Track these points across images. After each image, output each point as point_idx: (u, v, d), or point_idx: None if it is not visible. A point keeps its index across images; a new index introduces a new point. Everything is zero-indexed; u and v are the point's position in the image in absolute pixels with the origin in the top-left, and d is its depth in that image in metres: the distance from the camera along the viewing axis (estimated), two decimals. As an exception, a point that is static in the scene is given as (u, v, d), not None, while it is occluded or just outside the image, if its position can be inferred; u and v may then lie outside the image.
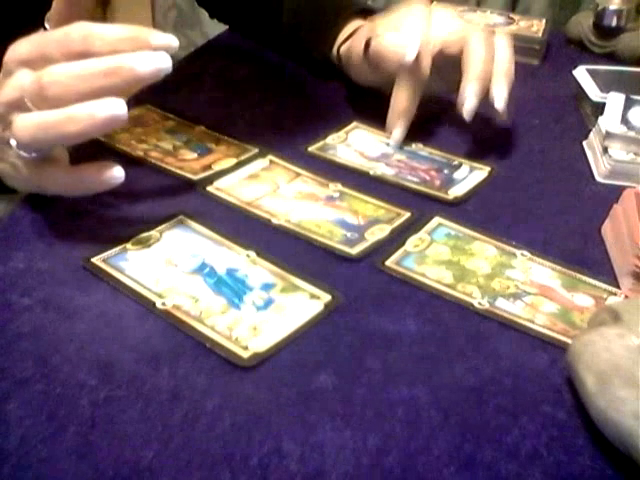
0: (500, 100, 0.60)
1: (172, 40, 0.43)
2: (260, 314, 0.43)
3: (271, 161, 0.60)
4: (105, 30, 0.42)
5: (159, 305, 0.44)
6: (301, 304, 0.44)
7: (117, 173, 0.45)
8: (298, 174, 0.58)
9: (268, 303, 0.44)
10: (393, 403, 0.38)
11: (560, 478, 0.35)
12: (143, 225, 0.50)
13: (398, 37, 0.60)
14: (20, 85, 0.43)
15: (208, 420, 0.37)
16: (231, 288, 0.45)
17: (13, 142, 0.45)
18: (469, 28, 0.63)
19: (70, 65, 0.42)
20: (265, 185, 0.57)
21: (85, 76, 0.41)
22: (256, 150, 0.61)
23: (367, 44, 0.63)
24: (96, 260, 0.47)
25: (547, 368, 0.42)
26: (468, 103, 0.60)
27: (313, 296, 0.45)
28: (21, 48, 0.45)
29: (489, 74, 0.61)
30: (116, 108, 0.41)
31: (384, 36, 0.62)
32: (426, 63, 0.60)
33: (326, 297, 0.45)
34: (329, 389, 0.39)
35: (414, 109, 0.61)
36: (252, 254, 0.48)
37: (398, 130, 0.63)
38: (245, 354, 0.40)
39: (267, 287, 0.46)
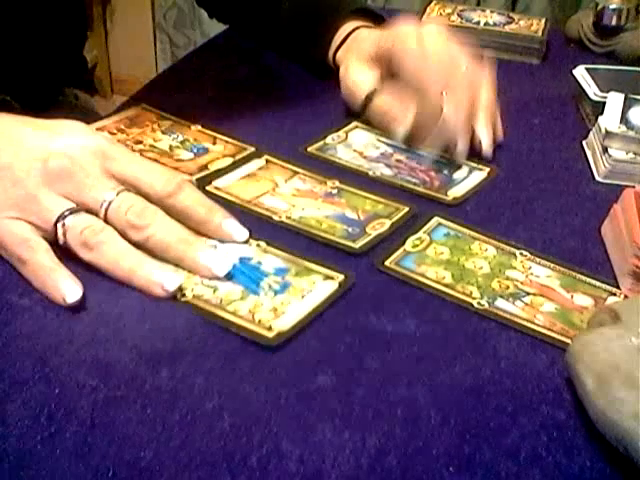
0: (487, 149, 0.62)
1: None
2: (278, 297, 0.44)
3: (267, 160, 0.60)
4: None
5: (180, 297, 0.44)
6: (317, 285, 0.46)
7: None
8: (295, 172, 0.58)
9: (284, 286, 0.45)
10: (392, 403, 0.38)
11: (559, 478, 0.35)
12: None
13: (359, 73, 0.66)
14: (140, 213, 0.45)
15: (207, 420, 0.37)
16: (246, 275, 0.46)
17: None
18: (452, 62, 0.61)
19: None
20: (263, 184, 0.57)
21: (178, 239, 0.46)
22: (252, 149, 0.61)
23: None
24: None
25: (546, 368, 0.42)
26: (459, 158, 0.61)
27: (327, 277, 0.46)
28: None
29: (470, 116, 0.61)
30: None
31: (347, 70, 0.67)
32: (437, 89, 0.60)
33: (339, 277, 0.46)
34: (328, 389, 0.39)
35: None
36: (262, 243, 0.49)
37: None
38: (270, 334, 0.41)
39: (281, 272, 0.47)
